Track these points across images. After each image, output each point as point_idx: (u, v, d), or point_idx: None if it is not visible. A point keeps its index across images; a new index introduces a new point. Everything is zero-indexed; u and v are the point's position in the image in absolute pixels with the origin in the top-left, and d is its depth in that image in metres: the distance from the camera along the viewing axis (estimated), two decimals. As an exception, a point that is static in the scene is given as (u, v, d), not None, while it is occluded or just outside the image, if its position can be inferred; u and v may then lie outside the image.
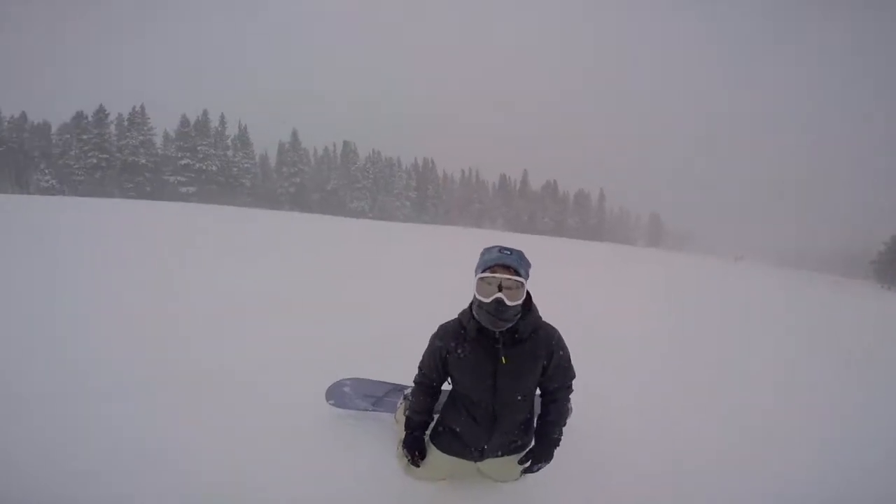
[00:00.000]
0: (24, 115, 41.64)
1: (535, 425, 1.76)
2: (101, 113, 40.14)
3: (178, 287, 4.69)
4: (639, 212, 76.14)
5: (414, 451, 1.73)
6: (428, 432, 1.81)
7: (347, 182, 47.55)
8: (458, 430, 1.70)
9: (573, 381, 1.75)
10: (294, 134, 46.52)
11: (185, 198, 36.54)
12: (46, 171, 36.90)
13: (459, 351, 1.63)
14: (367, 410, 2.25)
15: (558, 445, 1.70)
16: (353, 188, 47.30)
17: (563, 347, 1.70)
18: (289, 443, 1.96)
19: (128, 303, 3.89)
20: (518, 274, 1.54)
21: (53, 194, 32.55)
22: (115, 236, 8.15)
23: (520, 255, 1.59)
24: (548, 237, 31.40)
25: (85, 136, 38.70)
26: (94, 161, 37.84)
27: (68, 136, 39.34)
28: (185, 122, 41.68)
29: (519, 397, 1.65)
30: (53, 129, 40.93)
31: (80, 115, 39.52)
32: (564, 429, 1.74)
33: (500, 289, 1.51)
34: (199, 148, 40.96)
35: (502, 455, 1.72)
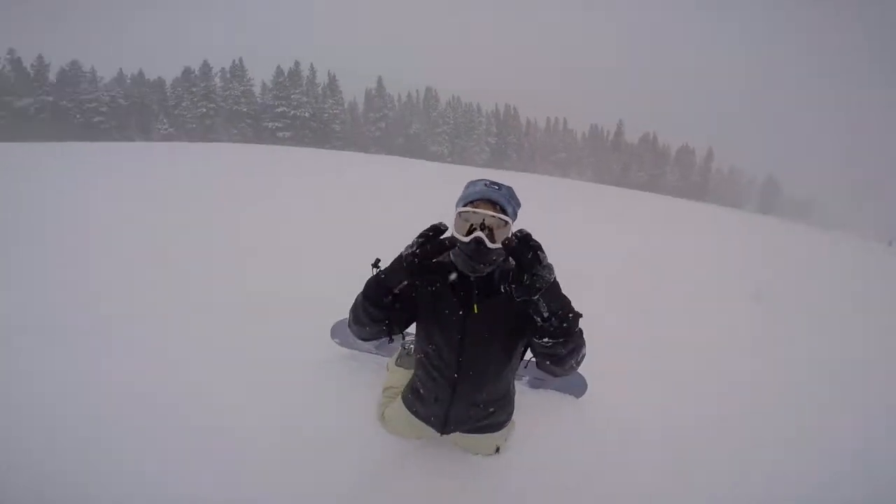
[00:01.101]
0: (141, 73, 45.91)
1: (511, 402, 1.61)
2: (205, 67, 43.21)
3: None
4: (753, 173, 66.41)
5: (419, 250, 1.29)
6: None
7: (428, 127, 47.23)
8: (421, 391, 1.56)
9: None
10: (379, 81, 48.05)
11: (282, 142, 38.33)
12: (164, 121, 40.63)
13: (432, 286, 1.43)
14: (370, 353, 2.20)
15: (563, 304, 1.26)
16: (434, 133, 47.13)
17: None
18: (287, 375, 2.00)
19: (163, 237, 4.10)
20: (504, 212, 1.34)
21: (171, 140, 35.63)
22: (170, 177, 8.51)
23: (509, 191, 1.40)
24: (640, 192, 27.28)
25: (194, 89, 41.96)
26: (204, 110, 41.16)
27: (180, 89, 42.65)
28: (279, 72, 43.81)
29: (490, 363, 1.45)
30: (167, 84, 44.53)
31: (188, 70, 42.77)
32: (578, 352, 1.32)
33: (482, 227, 1.30)
34: (292, 96, 42.68)
35: (470, 432, 1.57)
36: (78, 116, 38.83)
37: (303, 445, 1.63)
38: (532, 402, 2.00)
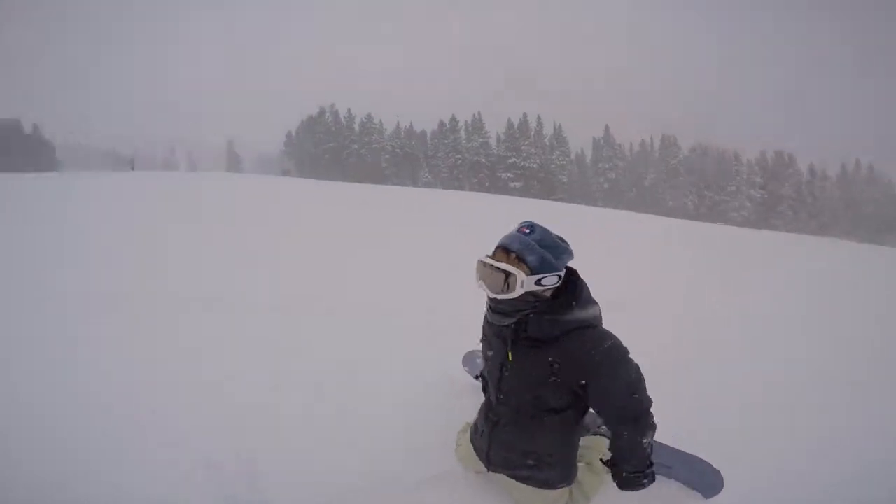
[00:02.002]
0: (411, 126, 58.04)
1: (563, 464, 1.50)
2: (453, 121, 51.44)
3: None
4: None
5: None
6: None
7: (666, 178, 43.52)
8: (477, 423, 1.63)
9: (644, 411, 1.37)
10: (606, 129, 47.60)
11: (512, 192, 41.91)
12: (426, 169, 50.23)
13: (489, 331, 1.55)
14: None
15: (638, 486, 1.38)
16: (673, 184, 42.85)
17: (606, 365, 1.33)
18: (407, 390, 2.29)
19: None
20: (523, 261, 1.32)
21: (430, 187, 43.58)
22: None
23: (542, 235, 1.36)
24: None
25: (446, 141, 50.56)
26: (453, 161, 49.06)
27: (436, 140, 52.12)
28: (510, 125, 48.57)
29: (521, 413, 1.45)
30: (428, 136, 54.83)
31: (442, 124, 51.79)
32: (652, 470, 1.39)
33: (507, 276, 1.33)
34: (522, 147, 46.53)
35: (509, 476, 1.54)
36: (370, 162, 52.24)
37: (391, 449, 1.86)
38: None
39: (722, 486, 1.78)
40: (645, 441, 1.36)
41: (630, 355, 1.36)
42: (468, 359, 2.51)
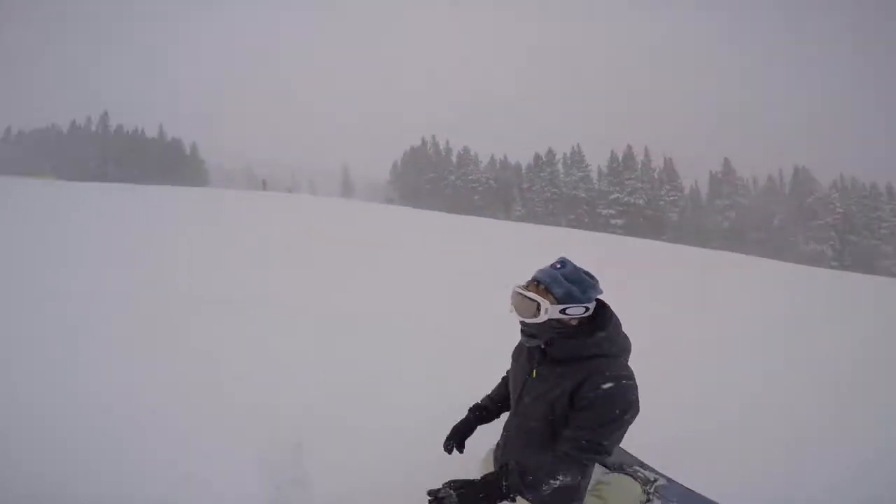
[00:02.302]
0: (506, 158, 59.76)
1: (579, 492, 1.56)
2: (550, 154, 52.06)
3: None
4: None
5: (452, 435, 1.80)
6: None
7: (800, 218, 39.03)
8: (500, 438, 1.76)
9: (591, 453, 1.41)
10: (726, 162, 43.81)
11: (614, 230, 40.87)
12: (519, 202, 51.90)
13: (518, 352, 1.73)
14: None
15: (493, 489, 1.40)
16: (809, 226, 38.23)
17: (598, 394, 1.41)
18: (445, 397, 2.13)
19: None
20: (550, 291, 1.48)
21: (523, 221, 44.61)
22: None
23: (572, 272, 1.51)
24: None
25: (542, 174, 51.35)
26: (549, 195, 49.65)
27: (531, 174, 53.28)
28: (614, 157, 47.48)
29: (534, 430, 1.57)
30: (523, 169, 56.39)
31: (538, 157, 52.75)
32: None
33: (538, 304, 1.49)
34: (626, 182, 45.33)
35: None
36: (464, 193, 55.21)
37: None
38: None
39: None
40: (558, 483, 1.39)
41: (635, 407, 1.44)
42: None
